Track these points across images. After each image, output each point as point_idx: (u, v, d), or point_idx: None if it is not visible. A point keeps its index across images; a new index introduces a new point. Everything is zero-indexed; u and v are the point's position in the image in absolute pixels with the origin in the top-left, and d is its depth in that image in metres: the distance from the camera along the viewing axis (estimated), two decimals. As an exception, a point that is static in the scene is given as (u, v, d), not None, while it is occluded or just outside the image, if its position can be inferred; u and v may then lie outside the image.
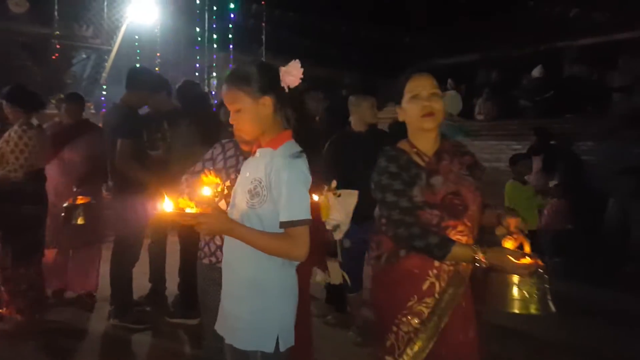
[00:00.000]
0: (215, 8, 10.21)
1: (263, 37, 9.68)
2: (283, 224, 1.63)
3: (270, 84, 1.68)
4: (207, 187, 1.84)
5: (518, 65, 10.63)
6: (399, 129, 3.75)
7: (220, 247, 2.14)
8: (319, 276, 4.17)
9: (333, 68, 13.59)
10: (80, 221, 3.83)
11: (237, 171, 2.07)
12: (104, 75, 8.79)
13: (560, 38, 10.68)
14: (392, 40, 13.14)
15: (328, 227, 3.09)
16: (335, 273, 3.96)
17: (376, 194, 1.95)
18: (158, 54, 10.15)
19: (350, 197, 3.16)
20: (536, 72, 9.44)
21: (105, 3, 8.75)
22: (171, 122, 3.97)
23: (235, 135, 2.12)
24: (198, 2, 9.97)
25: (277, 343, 1.68)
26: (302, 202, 1.65)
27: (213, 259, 2.20)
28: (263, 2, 10.05)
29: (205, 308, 2.27)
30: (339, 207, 3.01)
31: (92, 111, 7.96)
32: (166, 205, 1.60)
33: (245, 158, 2.10)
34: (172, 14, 9.80)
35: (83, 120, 4.58)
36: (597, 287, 5.02)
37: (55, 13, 8.08)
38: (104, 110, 8.15)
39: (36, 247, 3.67)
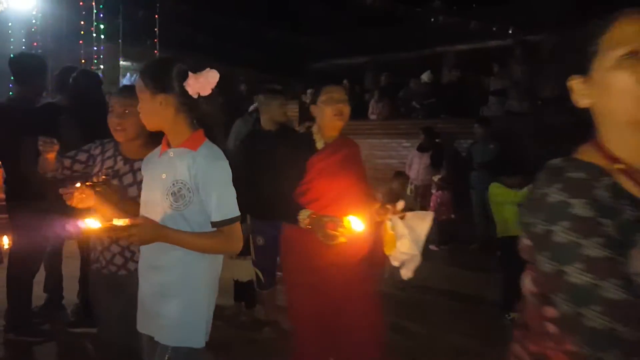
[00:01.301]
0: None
1: (156, 29, 9.29)
2: (217, 224, 1.68)
3: (172, 84, 1.68)
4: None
5: (405, 69, 11.36)
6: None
7: (119, 253, 2.13)
8: (224, 272, 4.21)
9: (229, 64, 13.46)
10: None
11: (114, 172, 2.13)
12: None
13: (441, 44, 11.58)
14: (289, 39, 13.30)
15: (394, 262, 2.47)
16: (245, 270, 4.01)
17: (546, 260, 0.92)
18: (35, 44, 9.34)
19: (422, 221, 2.44)
20: (425, 76, 10.15)
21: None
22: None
23: (116, 136, 2.16)
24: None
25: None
26: (231, 200, 1.72)
27: (113, 268, 2.16)
28: (155, -6, 9.65)
29: (99, 319, 2.28)
30: (408, 235, 2.37)
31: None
32: (90, 222, 1.59)
33: (124, 158, 2.17)
34: (53, 1, 9.08)
35: None
36: (476, 272, 5.61)
37: None
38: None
39: None
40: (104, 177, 2.00)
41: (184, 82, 1.66)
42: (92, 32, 9.14)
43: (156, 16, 9.43)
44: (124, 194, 1.96)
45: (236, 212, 1.72)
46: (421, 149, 7.44)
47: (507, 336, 1.16)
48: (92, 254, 2.22)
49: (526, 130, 6.16)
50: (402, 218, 2.39)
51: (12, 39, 9.27)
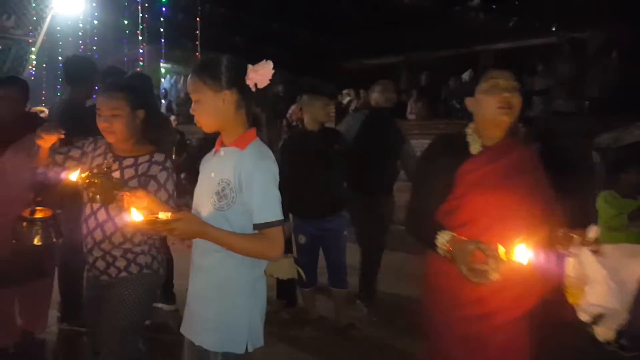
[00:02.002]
0: (143, 0, 9.86)
1: (197, 32, 9.47)
2: (258, 226, 1.64)
3: (233, 79, 1.67)
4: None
5: (441, 68, 11.21)
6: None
7: (101, 257, 2.09)
8: (267, 270, 4.24)
9: (264, 65, 13.58)
10: (37, 241, 2.64)
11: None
12: (31, 67, 8.26)
13: (480, 43, 11.37)
14: (322, 40, 13.34)
15: (583, 316, 1.79)
16: (287, 269, 4.03)
17: None
18: (82, 47, 9.66)
19: (633, 259, 1.80)
20: (466, 75, 10.00)
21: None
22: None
23: (107, 137, 2.12)
24: (127, -7, 9.58)
25: (247, 344, 1.70)
26: (275, 203, 1.67)
27: (96, 272, 2.15)
28: (196, -3, 9.84)
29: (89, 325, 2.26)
30: (604, 279, 1.67)
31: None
32: (134, 214, 1.57)
33: (114, 156, 2.14)
34: (99, 5, 9.36)
35: (26, 113, 3.61)
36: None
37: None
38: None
39: None
40: (106, 168, 1.96)
41: (243, 76, 1.66)
42: (137, 35, 9.37)
43: (197, 19, 9.59)
44: (124, 187, 1.92)
45: (278, 216, 1.66)
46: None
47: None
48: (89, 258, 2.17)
49: (577, 129, 6.00)
50: (595, 252, 1.69)
51: (60, 42, 9.60)
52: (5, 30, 8.08)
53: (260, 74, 1.66)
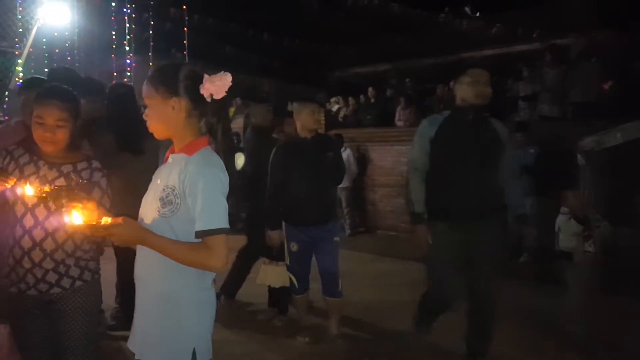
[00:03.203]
0: (131, 11, 9.87)
1: (185, 42, 9.48)
2: (199, 234, 1.57)
3: (185, 87, 1.65)
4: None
5: (429, 75, 11.33)
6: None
7: (29, 270, 1.96)
8: (259, 278, 4.23)
9: (252, 75, 13.64)
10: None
11: (40, 178, 1.97)
12: (17, 79, 8.19)
13: (466, 49, 11.52)
14: (311, 49, 13.42)
15: None
16: (279, 277, 4.05)
17: None
18: (69, 58, 9.63)
19: None
20: (453, 84, 10.09)
21: (14, 3, 8.17)
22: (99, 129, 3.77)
23: (44, 147, 2.01)
24: (114, 4, 9.58)
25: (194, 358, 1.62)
26: (219, 210, 1.59)
27: (22, 286, 2.00)
28: (184, 7, 9.86)
29: (19, 347, 2.05)
30: None
31: (1, 118, 7.36)
32: (75, 217, 1.54)
33: (47, 163, 2.03)
34: (86, 16, 9.34)
35: None
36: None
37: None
38: (7, 118, 7.59)
39: None
40: (78, 179, 1.90)
41: (197, 85, 1.64)
42: (124, 46, 9.36)
43: (185, 29, 9.61)
44: (89, 194, 1.85)
45: (221, 224, 1.58)
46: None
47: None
48: (11, 273, 1.99)
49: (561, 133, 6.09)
50: None
51: (46, 54, 9.55)
52: (-10, 41, 8.03)
53: (217, 85, 1.63)
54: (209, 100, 1.65)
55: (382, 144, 9.35)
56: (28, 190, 1.78)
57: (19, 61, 8.14)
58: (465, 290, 3.19)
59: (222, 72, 1.66)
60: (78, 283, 2.06)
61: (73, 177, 1.94)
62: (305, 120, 3.77)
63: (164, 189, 1.63)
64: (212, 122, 1.69)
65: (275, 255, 4.00)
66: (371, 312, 4.42)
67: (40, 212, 1.96)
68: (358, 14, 11.81)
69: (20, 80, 8.34)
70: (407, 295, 4.51)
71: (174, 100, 1.64)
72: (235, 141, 8.35)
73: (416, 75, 11.96)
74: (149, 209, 1.66)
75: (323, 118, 3.94)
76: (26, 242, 1.96)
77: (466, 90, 3.14)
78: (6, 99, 9.17)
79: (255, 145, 4.38)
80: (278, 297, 4.25)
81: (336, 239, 3.79)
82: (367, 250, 7.25)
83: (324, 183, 3.74)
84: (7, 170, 2.01)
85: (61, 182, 1.95)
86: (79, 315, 2.05)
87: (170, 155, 1.71)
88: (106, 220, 1.55)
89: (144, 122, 1.71)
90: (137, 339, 1.69)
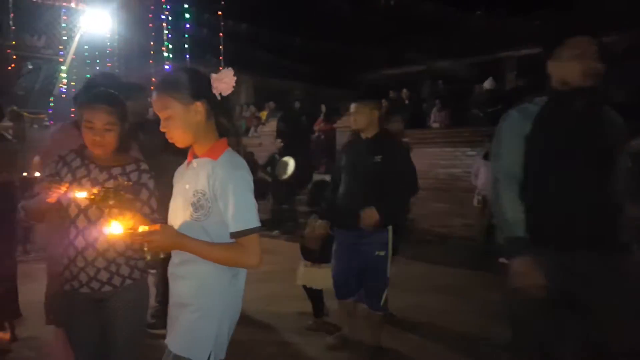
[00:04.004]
0: (169, 18, 10.12)
1: (221, 47, 9.65)
2: (234, 235, 1.62)
3: (200, 90, 1.65)
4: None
5: (464, 76, 11.18)
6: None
7: (82, 269, 2.03)
8: (299, 279, 4.20)
9: (284, 79, 13.78)
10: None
11: (91, 180, 2.03)
12: (60, 85, 8.54)
13: (503, 49, 11.31)
14: (342, 51, 13.45)
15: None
16: (322, 279, 3.99)
17: None
18: (109, 64, 9.94)
19: None
20: (487, 83, 9.93)
21: (59, 13, 8.50)
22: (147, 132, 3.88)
23: (94, 150, 2.06)
24: (152, 12, 9.84)
25: (210, 357, 1.65)
26: (250, 211, 1.64)
27: (76, 284, 2.05)
28: (219, 13, 10.04)
29: (71, 343, 2.12)
30: None
31: (46, 123, 7.67)
32: (114, 227, 1.58)
33: (98, 165, 2.07)
34: (126, 24, 9.64)
35: None
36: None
37: (11, 23, 7.76)
38: (52, 122, 7.89)
39: None
40: (125, 181, 1.93)
41: (209, 86, 1.66)
42: (162, 52, 9.60)
43: (220, 35, 9.78)
44: (133, 202, 1.87)
45: (254, 224, 1.63)
46: (488, 157, 7.21)
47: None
48: (65, 272, 2.06)
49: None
50: None
51: (88, 61, 9.90)
52: (36, 50, 8.38)
53: (225, 82, 1.65)
54: (219, 99, 1.67)
55: (417, 146, 9.25)
56: (79, 192, 1.85)
57: (63, 68, 8.48)
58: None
59: (225, 68, 1.66)
60: (128, 281, 2.10)
61: (120, 179, 1.99)
62: (351, 120, 3.56)
63: (194, 194, 1.65)
64: (223, 121, 1.71)
65: (318, 257, 3.98)
66: (404, 317, 4.35)
67: (93, 213, 2.02)
68: (388, 14, 11.77)
69: (64, 87, 8.70)
70: (437, 300, 4.47)
71: (196, 105, 1.64)
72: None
73: (450, 76, 11.81)
74: (181, 214, 1.69)
75: (366, 117, 3.68)
76: (80, 242, 2.02)
77: (568, 68, 2.19)
78: (51, 104, 9.58)
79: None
80: (314, 298, 4.23)
81: (378, 253, 3.44)
82: (400, 253, 7.16)
83: (360, 188, 3.60)
84: (61, 175, 2.09)
85: (110, 184, 1.99)
86: (127, 312, 2.10)
87: (194, 160, 1.71)
88: (144, 228, 1.57)
89: None
90: (172, 329, 1.74)
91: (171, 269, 1.75)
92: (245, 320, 4.07)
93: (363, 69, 14.39)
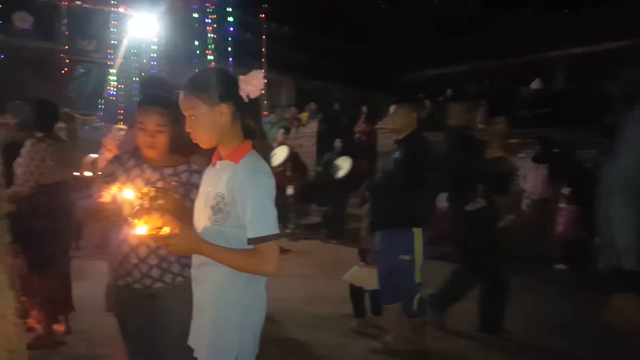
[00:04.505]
0: (212, 21, 10.29)
1: (263, 49, 9.73)
2: (251, 241, 1.59)
3: (227, 91, 1.63)
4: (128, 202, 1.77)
5: (511, 76, 10.86)
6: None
7: (136, 265, 2.07)
8: (349, 275, 4.12)
9: (326, 80, 13.77)
10: None
11: (144, 180, 2.07)
12: (109, 88, 8.82)
13: (551, 48, 10.94)
14: (383, 53, 13.34)
15: None
16: (366, 278, 3.92)
17: None
18: (155, 67, 10.19)
19: None
20: (535, 84, 9.64)
21: (108, 18, 8.78)
22: None
23: (146, 152, 2.10)
24: (197, 16, 10.03)
25: None
26: (269, 217, 1.60)
27: (129, 279, 2.10)
28: (262, 16, 10.13)
29: (123, 337, 2.18)
30: None
31: (96, 124, 7.92)
32: (139, 228, 1.59)
33: (150, 166, 2.10)
34: (172, 28, 9.85)
35: None
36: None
37: (63, 28, 8.07)
38: (102, 123, 8.14)
39: (48, 261, 3.55)
40: (173, 182, 1.96)
41: (236, 87, 1.64)
42: (206, 55, 9.75)
43: (263, 37, 9.86)
44: (181, 202, 1.90)
45: (273, 230, 1.59)
46: (537, 159, 6.99)
47: None
48: (119, 268, 2.12)
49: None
50: None
51: (136, 64, 10.16)
52: (87, 54, 8.68)
53: (253, 85, 1.63)
54: (246, 101, 1.64)
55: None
56: (131, 191, 1.88)
57: (112, 71, 8.76)
58: None
59: (255, 70, 1.64)
60: (179, 279, 2.13)
61: (168, 180, 2.03)
62: (389, 121, 3.62)
63: (214, 197, 1.64)
64: (250, 124, 1.68)
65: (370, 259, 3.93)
66: (450, 321, 4.24)
67: (139, 212, 2.06)
68: (432, 13, 11.60)
69: (114, 89, 8.98)
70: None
71: (221, 107, 1.62)
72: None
73: (496, 77, 11.51)
74: (202, 216, 1.68)
75: (403, 119, 3.56)
76: (133, 239, 2.06)
77: None
78: (101, 106, 9.91)
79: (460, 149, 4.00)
80: (355, 298, 4.16)
81: (402, 257, 3.29)
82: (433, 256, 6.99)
83: (382, 187, 3.53)
84: (115, 174, 2.15)
85: (162, 184, 2.03)
86: (177, 309, 2.12)
87: (218, 162, 1.70)
88: (165, 230, 1.58)
89: None
90: (194, 335, 1.75)
91: (192, 272, 1.75)
92: (286, 320, 4.15)
93: (405, 70, 14.21)
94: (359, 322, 4.10)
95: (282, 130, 8.47)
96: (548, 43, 10.76)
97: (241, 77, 1.63)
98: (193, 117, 1.64)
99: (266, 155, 1.70)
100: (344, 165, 7.91)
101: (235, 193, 1.58)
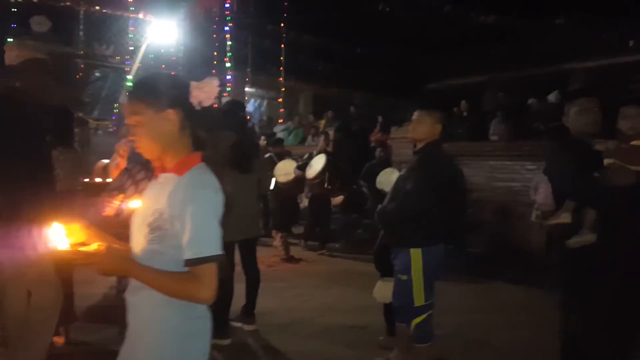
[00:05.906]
0: (232, 29, 10.38)
1: (282, 58, 9.78)
2: (188, 262, 1.41)
3: (176, 97, 1.50)
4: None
5: (527, 87, 10.74)
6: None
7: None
8: (377, 291, 3.94)
9: (344, 89, 13.78)
10: None
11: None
12: (126, 93, 8.94)
13: (568, 61, 10.78)
14: (403, 62, 13.29)
15: None
16: (387, 292, 3.74)
17: None
18: (173, 73, 10.30)
19: None
20: (552, 96, 9.50)
21: (127, 23, 8.92)
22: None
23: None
24: (216, 23, 10.13)
25: None
26: (210, 237, 1.44)
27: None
28: (282, 25, 10.17)
29: None
30: None
31: (110, 129, 8.04)
32: (61, 242, 1.46)
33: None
34: (190, 34, 9.96)
35: None
36: None
37: (81, 33, 8.23)
38: (115, 129, 8.26)
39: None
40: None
41: (187, 94, 1.53)
42: (224, 62, 9.80)
43: (282, 45, 9.90)
44: None
45: (213, 251, 1.42)
46: (549, 171, 6.88)
47: None
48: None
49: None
50: None
51: (153, 71, 10.31)
52: (104, 59, 8.81)
53: (205, 91, 1.53)
54: (198, 108, 1.54)
55: (475, 159, 8.95)
56: (134, 203, 1.88)
57: (129, 77, 8.89)
58: None
59: (209, 77, 1.56)
60: None
61: None
62: (410, 127, 3.34)
63: (152, 213, 1.48)
64: (200, 134, 1.56)
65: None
66: (462, 335, 4.16)
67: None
68: (453, 24, 11.52)
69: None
70: (494, 317, 4.25)
71: (167, 113, 1.48)
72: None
73: (513, 88, 11.39)
74: (138, 235, 1.52)
75: (426, 128, 3.27)
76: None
77: None
78: (115, 110, 10.05)
79: None
80: (386, 314, 3.99)
81: (401, 277, 3.17)
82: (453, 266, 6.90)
83: (390, 219, 3.24)
84: (125, 186, 2.17)
85: None
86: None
87: (161, 175, 1.55)
88: (90, 247, 1.45)
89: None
90: None
91: (127, 297, 1.57)
92: (297, 331, 4.10)
93: (426, 79, 14.13)
94: (389, 340, 3.82)
95: (322, 137, 7.96)
96: (567, 55, 10.62)
97: (193, 83, 1.53)
98: (137, 124, 1.51)
99: (217, 169, 1.55)
100: (316, 164, 7.19)
101: (175, 208, 1.43)
